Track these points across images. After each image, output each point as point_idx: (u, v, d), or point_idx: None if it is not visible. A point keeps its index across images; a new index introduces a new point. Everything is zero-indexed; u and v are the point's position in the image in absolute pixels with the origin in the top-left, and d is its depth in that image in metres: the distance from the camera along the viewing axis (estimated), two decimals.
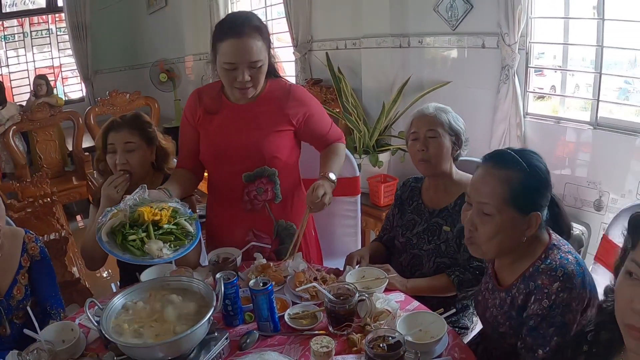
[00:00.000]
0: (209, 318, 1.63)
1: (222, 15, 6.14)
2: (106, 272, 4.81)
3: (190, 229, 2.02)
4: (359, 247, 3.08)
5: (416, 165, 2.38)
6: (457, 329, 2.34)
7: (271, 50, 2.29)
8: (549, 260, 1.66)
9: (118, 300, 1.74)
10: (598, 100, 3.68)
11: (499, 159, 1.73)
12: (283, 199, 2.45)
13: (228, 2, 7.04)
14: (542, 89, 4.42)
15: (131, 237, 1.87)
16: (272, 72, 2.39)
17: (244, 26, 2.14)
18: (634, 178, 3.51)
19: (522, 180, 1.65)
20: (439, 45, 4.28)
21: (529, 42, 3.88)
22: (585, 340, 1.40)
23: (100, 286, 4.43)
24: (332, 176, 2.30)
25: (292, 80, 5.88)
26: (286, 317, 1.90)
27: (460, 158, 2.44)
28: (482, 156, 1.80)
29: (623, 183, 3.55)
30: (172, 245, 1.93)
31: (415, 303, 2.04)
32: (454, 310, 1.84)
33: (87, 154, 6.11)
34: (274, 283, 1.93)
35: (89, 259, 2.39)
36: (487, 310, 1.89)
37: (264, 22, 2.31)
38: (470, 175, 2.34)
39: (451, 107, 3.27)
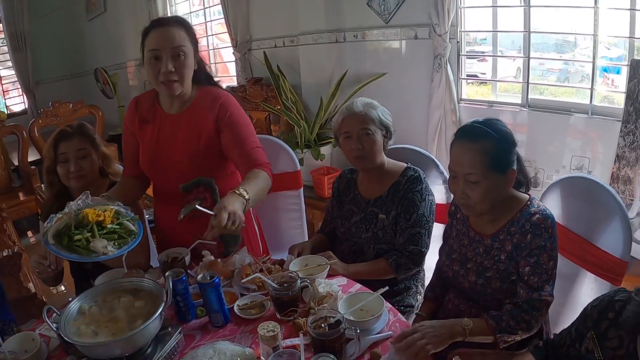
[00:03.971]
0: (160, 313, 1.69)
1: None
2: (63, 286, 4.73)
3: (133, 228, 2.04)
4: (306, 239, 3.17)
5: (351, 162, 2.50)
6: (402, 307, 2.49)
7: (198, 52, 2.30)
8: (533, 207, 1.97)
9: (74, 305, 1.78)
10: (528, 83, 3.86)
11: (472, 133, 1.94)
12: None
13: (167, 5, 6.99)
14: (485, 74, 4.58)
15: (77, 237, 1.89)
16: (204, 78, 2.40)
17: (168, 19, 2.23)
18: (569, 154, 3.71)
19: (495, 146, 1.89)
20: (373, 38, 4.37)
21: (460, 31, 4.01)
22: (612, 309, 1.51)
23: (57, 300, 4.32)
24: (245, 192, 2.03)
25: (234, 80, 5.95)
26: (235, 309, 2.00)
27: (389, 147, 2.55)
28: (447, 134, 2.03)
29: (558, 159, 3.74)
30: (116, 244, 1.95)
31: (357, 286, 2.15)
32: (387, 288, 1.95)
33: (33, 167, 5.96)
34: (221, 277, 2.02)
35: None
36: (469, 261, 2.10)
37: (192, 25, 2.34)
38: (400, 162, 2.49)
39: (388, 97, 3.34)
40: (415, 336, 1.69)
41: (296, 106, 4.41)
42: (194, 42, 2.28)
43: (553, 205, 2.14)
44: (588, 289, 2.26)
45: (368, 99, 2.51)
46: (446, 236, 2.33)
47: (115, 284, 1.92)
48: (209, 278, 1.92)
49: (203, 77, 2.39)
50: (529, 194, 2.06)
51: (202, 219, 2.25)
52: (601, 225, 2.17)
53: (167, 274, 1.92)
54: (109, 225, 1.98)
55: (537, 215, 1.92)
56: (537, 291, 1.87)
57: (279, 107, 4.57)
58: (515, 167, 1.95)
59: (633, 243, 3.18)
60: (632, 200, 3.45)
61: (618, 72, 4.06)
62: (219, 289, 1.92)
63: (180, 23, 2.23)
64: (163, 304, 1.72)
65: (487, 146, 1.88)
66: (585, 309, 1.62)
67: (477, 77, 4.59)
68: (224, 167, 2.46)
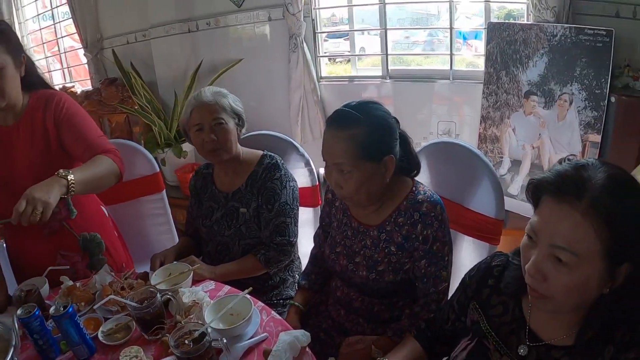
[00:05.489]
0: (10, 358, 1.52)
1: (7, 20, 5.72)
2: None
3: None
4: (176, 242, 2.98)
5: (205, 156, 2.34)
6: (281, 301, 2.39)
7: (21, 59, 2.08)
8: (420, 194, 1.86)
9: None
10: (387, 55, 3.89)
11: (341, 120, 1.78)
12: (78, 212, 2.25)
13: (12, 9, 6.42)
14: (364, 47, 4.70)
15: None
16: (36, 82, 2.20)
17: None
18: (435, 120, 3.75)
19: (367, 134, 1.73)
20: (227, 24, 4.29)
21: (314, 9, 3.98)
22: (491, 275, 1.46)
23: None
24: (67, 174, 1.85)
25: (87, 83, 5.66)
26: (100, 336, 1.80)
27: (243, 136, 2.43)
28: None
29: (425, 127, 3.79)
30: None
31: (227, 288, 2.02)
32: (251, 288, 1.81)
33: None
34: (75, 304, 1.83)
35: None
36: (357, 255, 1.96)
37: (12, 29, 2.11)
38: (256, 151, 2.38)
39: (247, 84, 3.23)
40: None
41: (152, 104, 4.28)
42: (14, 51, 2.05)
43: (420, 174, 2.06)
44: (468, 252, 2.27)
45: (216, 88, 2.37)
46: (324, 224, 2.21)
47: None
48: (62, 309, 1.70)
49: (35, 81, 2.18)
50: (412, 179, 1.95)
51: (58, 237, 2.21)
52: (472, 187, 2.17)
53: (16, 313, 1.70)
54: None
55: (426, 204, 1.82)
56: (434, 280, 1.83)
57: (136, 107, 4.35)
58: (395, 154, 1.81)
59: (508, 198, 3.25)
60: (502, 157, 3.53)
61: (477, 37, 4.19)
62: (75, 319, 1.71)
63: None
64: (12, 349, 1.55)
65: (357, 134, 1.73)
66: (463, 280, 1.57)
67: (336, 54, 4.63)
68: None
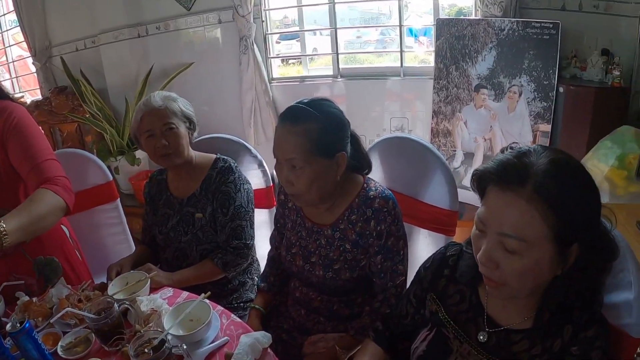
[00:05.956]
0: None
1: None
2: None
3: None
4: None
5: (157, 162, 2.30)
6: (242, 304, 2.38)
7: None
8: (371, 190, 1.85)
9: None
10: (337, 54, 3.91)
11: (294, 115, 1.76)
12: None
13: None
14: (316, 48, 4.71)
15: None
16: None
17: None
18: (388, 116, 3.78)
19: (320, 129, 1.72)
20: (177, 28, 4.25)
21: (264, 10, 3.98)
22: (446, 265, 1.48)
23: None
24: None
25: (37, 92, 5.53)
26: (59, 350, 1.75)
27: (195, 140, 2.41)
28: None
29: (379, 124, 3.82)
30: None
31: (185, 294, 1.99)
32: (209, 293, 1.79)
33: None
34: (32, 320, 1.78)
35: None
36: (313, 255, 1.94)
37: None
38: (209, 155, 2.36)
39: (199, 87, 3.20)
40: None
41: (103, 112, 4.20)
42: None
43: (373, 169, 2.07)
44: (424, 245, 2.28)
45: (166, 92, 2.33)
46: (279, 226, 2.19)
47: None
48: (18, 325, 1.63)
49: None
50: (362, 175, 1.94)
51: (11, 259, 2.08)
52: (425, 180, 2.17)
53: None
54: None
55: (378, 200, 1.81)
56: (391, 275, 1.83)
57: (88, 115, 4.26)
58: (347, 151, 1.81)
59: (463, 190, 3.30)
60: (455, 150, 3.57)
61: (427, 34, 4.25)
62: (32, 335, 1.65)
63: None
64: None
65: (310, 129, 1.71)
66: (418, 272, 1.58)
67: (287, 56, 4.66)
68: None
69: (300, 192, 1.78)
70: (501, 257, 1.16)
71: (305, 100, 1.80)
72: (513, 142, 3.29)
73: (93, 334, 1.78)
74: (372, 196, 1.83)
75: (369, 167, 1.98)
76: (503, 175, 1.15)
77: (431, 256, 1.56)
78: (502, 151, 1.24)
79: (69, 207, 1.98)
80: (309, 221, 1.97)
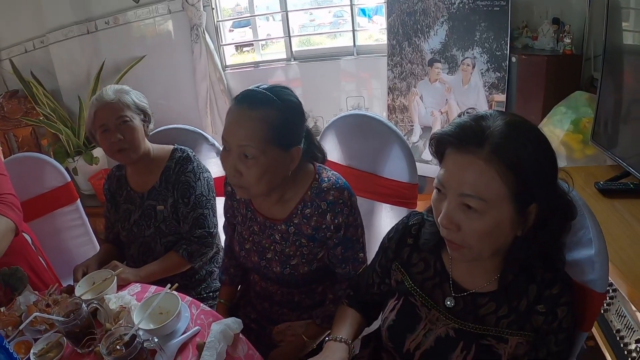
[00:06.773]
0: None
1: None
2: None
3: None
4: None
5: (114, 157, 2.27)
6: (211, 294, 2.39)
7: None
8: (324, 181, 1.76)
9: None
10: (289, 37, 3.92)
11: (253, 99, 1.62)
12: None
13: None
14: (270, 34, 4.73)
15: None
16: None
17: None
18: (344, 96, 3.80)
19: (280, 117, 1.60)
20: (126, 21, 4.17)
21: None
22: (409, 234, 1.50)
23: None
24: None
25: None
26: (32, 358, 1.72)
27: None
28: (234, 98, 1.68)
29: (336, 104, 3.84)
30: None
31: (153, 288, 1.97)
32: (177, 284, 1.78)
33: None
34: (2, 330, 1.78)
35: None
36: (268, 251, 1.87)
37: None
38: (166, 146, 2.34)
39: (152, 80, 3.16)
40: None
41: (57, 113, 4.11)
42: None
43: (331, 148, 2.10)
44: (387, 219, 2.31)
45: (118, 85, 2.29)
46: (229, 216, 2.09)
47: None
48: None
49: None
50: (313, 164, 1.84)
51: None
52: (383, 155, 2.19)
53: None
54: None
55: (332, 191, 1.72)
56: (353, 264, 1.82)
57: (42, 118, 4.17)
58: (302, 145, 1.71)
59: (423, 164, 3.34)
60: (412, 125, 3.60)
61: (379, 13, 4.27)
62: (3, 344, 1.62)
63: None
64: None
65: (270, 115, 1.58)
66: (382, 243, 1.59)
67: (239, 43, 4.65)
68: None
69: (248, 184, 1.66)
70: (462, 218, 1.18)
71: (264, 86, 1.66)
72: (469, 108, 3.33)
73: (64, 338, 1.76)
74: (325, 188, 1.74)
75: (323, 158, 1.90)
76: (461, 138, 1.18)
77: (394, 226, 1.58)
78: (459, 115, 1.26)
79: (17, 227, 1.97)
80: (260, 216, 1.87)
